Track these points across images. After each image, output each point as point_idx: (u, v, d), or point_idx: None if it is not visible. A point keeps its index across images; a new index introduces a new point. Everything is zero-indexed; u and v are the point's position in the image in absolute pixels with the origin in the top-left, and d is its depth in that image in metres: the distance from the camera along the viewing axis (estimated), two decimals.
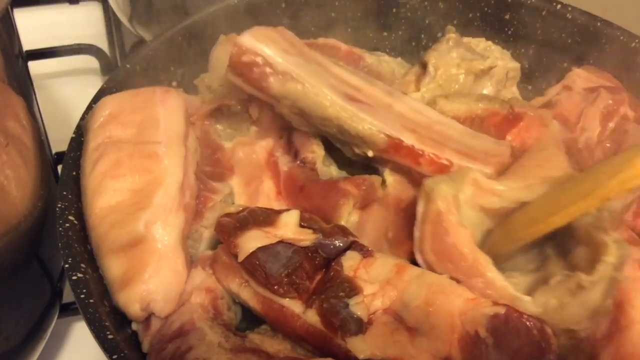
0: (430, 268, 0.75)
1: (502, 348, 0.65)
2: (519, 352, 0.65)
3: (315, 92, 0.84)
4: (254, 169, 0.91)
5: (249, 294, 0.75)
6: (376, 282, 0.72)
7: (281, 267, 0.72)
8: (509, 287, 0.71)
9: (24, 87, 0.84)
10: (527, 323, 0.66)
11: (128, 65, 0.94)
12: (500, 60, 1.01)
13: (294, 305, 0.72)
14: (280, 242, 0.74)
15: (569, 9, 1.07)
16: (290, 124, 0.90)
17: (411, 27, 1.14)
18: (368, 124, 0.83)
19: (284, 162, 0.91)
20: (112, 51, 1.47)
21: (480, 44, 1.03)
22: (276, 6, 1.09)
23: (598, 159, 0.91)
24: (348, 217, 0.84)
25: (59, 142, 1.00)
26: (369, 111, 0.85)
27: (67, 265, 0.73)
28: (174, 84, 1.02)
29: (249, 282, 0.75)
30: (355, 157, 0.89)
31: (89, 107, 0.88)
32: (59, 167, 0.84)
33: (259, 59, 0.84)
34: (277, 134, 0.94)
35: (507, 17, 1.09)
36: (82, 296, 0.70)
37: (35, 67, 0.91)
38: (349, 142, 0.87)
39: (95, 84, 1.38)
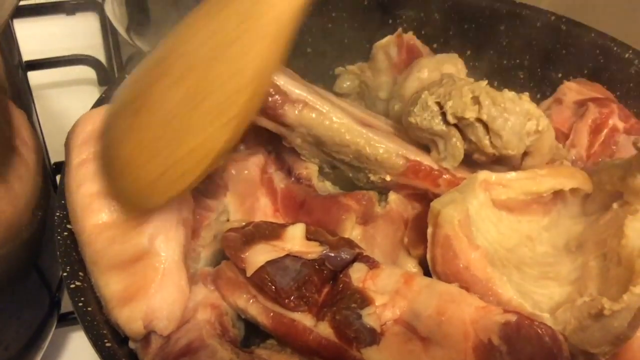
0: None
1: (516, 355, 0.66)
2: (532, 359, 0.66)
3: (330, 118, 0.84)
4: (248, 186, 0.90)
5: (257, 309, 0.75)
6: (385, 293, 0.72)
7: (291, 281, 0.72)
8: (525, 305, 0.71)
9: (24, 97, 0.84)
10: (538, 330, 0.66)
11: (126, 75, 0.95)
12: None
13: (304, 319, 0.72)
14: (288, 255, 0.73)
15: (563, 20, 1.08)
16: (276, 139, 0.90)
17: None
18: (386, 147, 0.84)
19: (280, 179, 0.91)
20: (109, 62, 1.48)
21: None
22: None
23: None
24: (351, 231, 0.85)
25: (56, 152, 1.00)
26: (384, 136, 0.85)
27: (65, 274, 0.73)
28: None
29: (257, 298, 0.75)
30: (368, 185, 0.89)
31: None
32: (57, 177, 0.84)
33: (272, 88, 0.83)
34: (264, 149, 0.94)
35: (502, 28, 1.10)
36: (80, 304, 0.70)
37: (32, 77, 0.92)
38: (364, 169, 0.87)
39: (92, 94, 1.40)
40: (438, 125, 0.83)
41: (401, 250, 0.85)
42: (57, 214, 0.77)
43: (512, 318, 0.67)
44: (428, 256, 0.77)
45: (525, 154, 0.84)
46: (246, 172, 0.90)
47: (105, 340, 0.68)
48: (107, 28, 1.53)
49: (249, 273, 0.73)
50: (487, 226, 0.79)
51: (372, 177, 0.87)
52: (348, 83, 1.12)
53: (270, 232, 0.76)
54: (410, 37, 1.06)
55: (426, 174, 0.84)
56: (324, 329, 0.70)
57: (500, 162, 0.84)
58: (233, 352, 0.71)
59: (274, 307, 0.73)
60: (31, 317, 0.89)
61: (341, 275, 0.73)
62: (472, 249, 0.73)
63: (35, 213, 0.83)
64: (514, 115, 0.81)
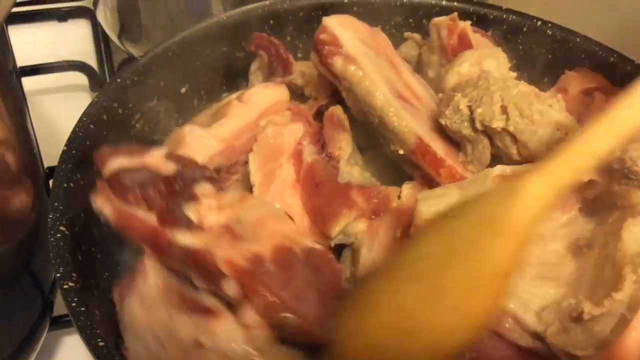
0: None
1: (307, 268, 0.73)
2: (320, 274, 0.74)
3: (369, 80, 0.90)
4: (275, 150, 0.94)
5: (108, 207, 0.80)
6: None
7: (136, 182, 0.79)
8: (509, 304, 0.70)
9: (18, 102, 0.85)
10: (334, 264, 0.77)
11: (118, 80, 0.96)
12: None
13: (140, 213, 0.78)
14: (144, 167, 0.80)
15: (549, 25, 1.10)
16: (320, 113, 0.99)
17: (395, 43, 1.16)
18: (405, 122, 0.87)
19: (309, 153, 0.94)
20: (101, 68, 1.48)
21: None
22: (264, 23, 1.11)
23: None
24: (354, 225, 0.86)
25: (49, 157, 1.01)
26: (411, 112, 0.89)
27: (58, 275, 0.73)
28: (165, 99, 1.04)
29: (111, 198, 0.80)
30: (391, 155, 0.93)
31: (80, 121, 0.89)
32: (50, 182, 0.85)
33: (332, 39, 0.93)
34: (307, 121, 0.98)
35: (489, 33, 1.12)
36: (74, 304, 0.71)
37: (25, 83, 0.92)
38: (386, 137, 0.91)
39: (84, 100, 1.40)
40: (467, 129, 0.84)
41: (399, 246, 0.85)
42: (51, 215, 0.78)
43: (318, 247, 0.76)
44: None
45: None
46: (279, 137, 0.94)
47: (99, 340, 0.68)
48: (98, 34, 1.54)
49: (105, 176, 0.79)
50: None
51: (392, 147, 0.90)
52: (410, 50, 1.15)
53: (134, 149, 0.83)
54: (465, 24, 1.05)
55: (431, 159, 0.87)
56: (151, 218, 0.77)
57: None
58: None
59: (120, 205, 0.79)
60: (23, 321, 0.90)
61: (188, 187, 0.80)
62: None
63: (29, 216, 0.84)
64: (542, 128, 0.80)
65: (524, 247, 0.61)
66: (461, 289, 0.59)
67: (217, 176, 0.83)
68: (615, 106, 0.62)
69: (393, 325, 0.62)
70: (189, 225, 0.75)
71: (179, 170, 0.80)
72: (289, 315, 0.71)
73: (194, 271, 0.75)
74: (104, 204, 0.80)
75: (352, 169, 0.94)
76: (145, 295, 0.76)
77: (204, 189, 0.80)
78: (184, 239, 0.75)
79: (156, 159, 0.81)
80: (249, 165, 0.91)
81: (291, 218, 0.82)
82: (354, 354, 0.64)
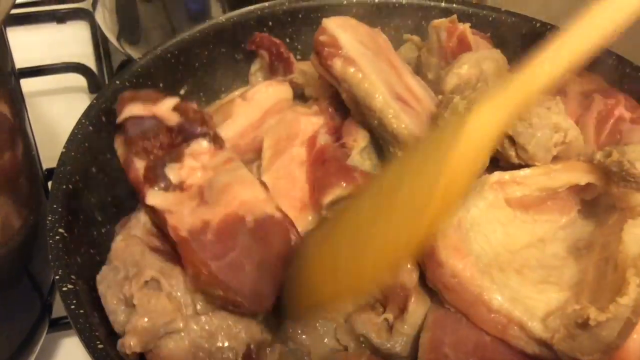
0: (440, 294, 0.76)
1: (257, 235, 0.76)
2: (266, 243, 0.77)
3: (369, 82, 0.90)
4: (290, 133, 0.95)
5: (121, 150, 0.87)
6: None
7: (140, 134, 0.82)
8: (514, 312, 0.71)
9: (17, 104, 0.85)
10: (292, 236, 0.79)
11: (117, 82, 0.96)
12: None
13: (137, 163, 0.82)
14: (153, 116, 0.84)
15: (548, 26, 1.10)
16: (344, 112, 0.99)
17: (394, 45, 1.16)
18: (404, 124, 0.88)
19: (324, 139, 0.95)
20: (100, 70, 1.48)
21: None
22: (262, 24, 1.11)
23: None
24: (336, 199, 0.86)
25: (48, 159, 1.01)
26: (411, 114, 0.90)
27: (57, 277, 0.73)
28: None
29: (125, 143, 0.85)
30: (390, 157, 0.93)
31: (79, 123, 0.89)
32: (49, 184, 0.85)
33: (331, 40, 0.93)
34: (329, 117, 1.00)
35: (488, 35, 1.12)
36: (73, 307, 0.71)
37: (24, 85, 0.92)
38: (385, 139, 0.91)
39: (83, 102, 1.40)
40: None
41: None
42: (49, 217, 0.78)
43: (276, 215, 0.78)
44: (419, 260, 0.77)
45: (553, 157, 0.84)
46: (297, 125, 0.96)
47: (98, 342, 0.68)
48: (97, 36, 1.54)
49: (118, 121, 0.85)
50: (493, 227, 0.78)
51: (391, 149, 0.91)
52: (409, 52, 1.14)
53: (151, 97, 0.87)
54: (465, 27, 1.05)
55: None
56: (140, 166, 0.82)
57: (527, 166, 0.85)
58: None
59: (126, 151, 0.84)
60: (22, 323, 0.90)
61: (184, 144, 0.83)
62: (458, 259, 0.73)
63: (27, 218, 0.84)
64: (540, 130, 0.80)
65: (471, 174, 0.65)
66: (408, 209, 0.64)
67: (218, 134, 0.86)
68: (557, 38, 0.66)
69: (353, 234, 0.68)
70: (166, 185, 0.79)
71: (181, 124, 0.83)
72: (215, 288, 0.73)
73: (157, 227, 0.81)
74: (119, 146, 0.87)
75: (364, 162, 0.95)
76: (132, 230, 0.81)
77: (199, 145, 0.82)
78: (152, 198, 0.78)
79: (164, 108, 0.84)
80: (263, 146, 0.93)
81: (265, 186, 0.85)
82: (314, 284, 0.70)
